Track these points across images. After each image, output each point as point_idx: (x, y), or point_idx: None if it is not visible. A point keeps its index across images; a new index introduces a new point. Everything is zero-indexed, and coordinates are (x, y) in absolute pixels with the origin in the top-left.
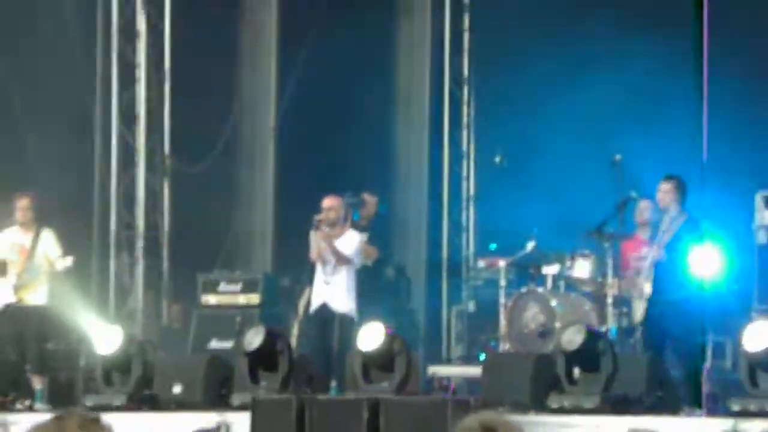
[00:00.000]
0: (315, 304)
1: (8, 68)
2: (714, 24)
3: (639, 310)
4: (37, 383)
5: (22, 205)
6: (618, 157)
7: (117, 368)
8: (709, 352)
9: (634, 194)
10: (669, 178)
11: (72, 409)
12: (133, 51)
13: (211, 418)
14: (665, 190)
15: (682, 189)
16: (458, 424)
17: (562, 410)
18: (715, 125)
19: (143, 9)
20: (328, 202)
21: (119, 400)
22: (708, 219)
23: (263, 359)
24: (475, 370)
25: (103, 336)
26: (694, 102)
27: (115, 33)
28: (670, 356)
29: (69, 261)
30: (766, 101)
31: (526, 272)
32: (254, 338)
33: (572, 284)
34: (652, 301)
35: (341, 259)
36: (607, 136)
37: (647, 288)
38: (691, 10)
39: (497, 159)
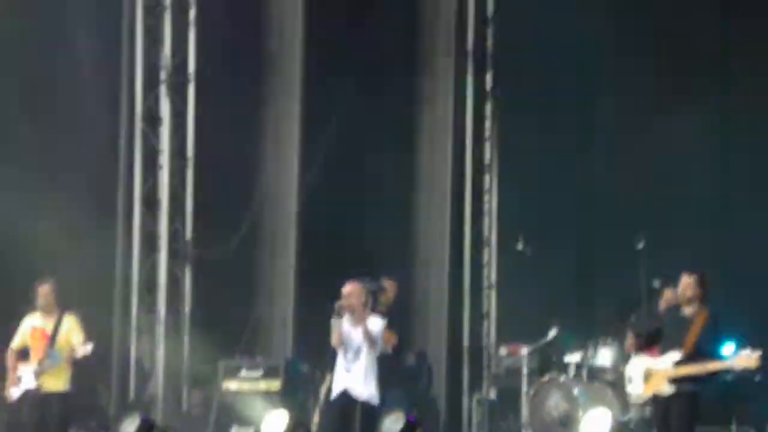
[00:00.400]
0: (336, 391)
1: (31, 149)
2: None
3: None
4: None
5: (44, 291)
6: (641, 244)
7: None
8: None
9: (657, 283)
10: (691, 272)
11: None
12: (157, 137)
13: None
14: (687, 284)
15: (703, 284)
16: None
17: None
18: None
19: (167, 95)
20: (348, 288)
21: None
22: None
23: None
24: None
25: (126, 423)
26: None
27: (139, 118)
28: None
29: (90, 348)
30: None
31: (548, 360)
32: (275, 425)
33: (594, 373)
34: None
35: (373, 342)
36: (633, 221)
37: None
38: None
39: (519, 246)
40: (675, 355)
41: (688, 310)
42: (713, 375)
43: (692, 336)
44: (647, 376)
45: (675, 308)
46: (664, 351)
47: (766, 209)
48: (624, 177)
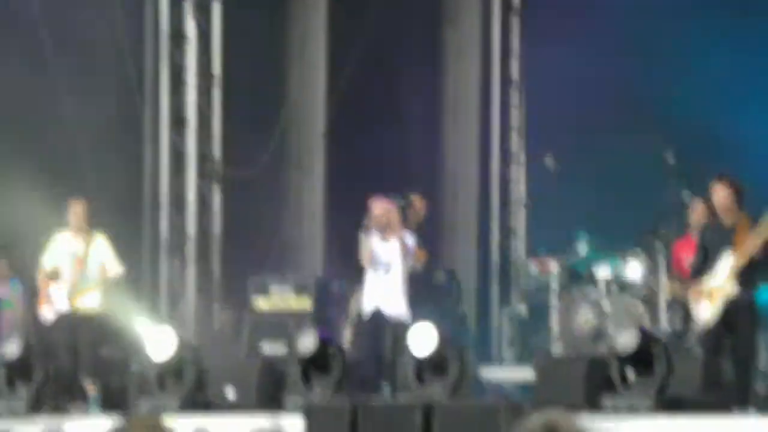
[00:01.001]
0: (367, 309)
1: (57, 74)
2: None
3: (704, 310)
4: (91, 389)
5: (77, 210)
6: (670, 157)
7: (170, 372)
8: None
9: (687, 195)
10: (721, 179)
11: (132, 414)
12: (182, 56)
13: (264, 421)
14: (723, 194)
15: (736, 188)
16: (522, 424)
17: (617, 410)
18: None
19: (192, 14)
20: (378, 208)
21: (173, 404)
22: None
23: (316, 363)
24: (527, 374)
25: (157, 340)
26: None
27: (165, 38)
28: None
29: (121, 269)
30: None
31: (578, 275)
32: (307, 342)
33: (624, 286)
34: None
35: (406, 254)
36: (662, 135)
37: (733, 287)
38: None
39: (548, 162)
40: (728, 259)
41: (728, 220)
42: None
43: (741, 235)
44: (709, 293)
45: (713, 222)
46: (713, 266)
47: None
48: (656, 89)
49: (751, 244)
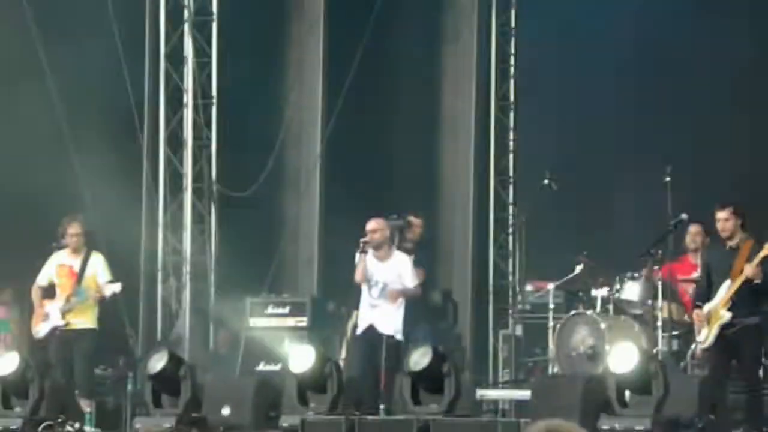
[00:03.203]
0: (362, 327)
1: (56, 91)
2: None
3: (705, 334)
4: (86, 407)
5: (73, 230)
6: (668, 178)
7: (166, 390)
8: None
9: (684, 217)
10: (724, 205)
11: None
12: (181, 77)
13: None
14: (724, 218)
15: (740, 213)
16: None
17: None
18: None
19: (190, 34)
20: (372, 224)
21: (168, 422)
22: None
23: (312, 382)
24: (523, 394)
25: (154, 359)
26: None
27: (163, 58)
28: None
29: (117, 287)
30: None
31: (575, 295)
32: (303, 361)
33: (621, 307)
34: (728, 324)
35: (411, 296)
36: (659, 157)
37: (724, 312)
38: None
39: (546, 181)
40: (726, 284)
41: (731, 242)
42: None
43: (740, 262)
44: (708, 317)
45: (716, 246)
46: (716, 289)
47: None
48: (650, 109)
49: (748, 269)
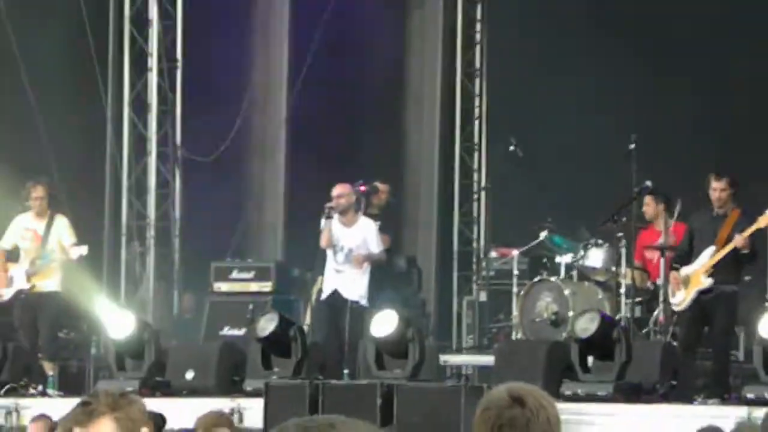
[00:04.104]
0: (326, 292)
1: (20, 56)
2: None
3: (678, 297)
4: (49, 370)
5: (37, 194)
6: (632, 146)
7: (130, 354)
8: None
9: (648, 184)
10: (721, 175)
11: (98, 391)
12: (146, 40)
13: (224, 403)
14: (721, 188)
15: (735, 184)
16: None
17: (575, 398)
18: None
19: None
20: (338, 189)
21: (132, 385)
22: None
23: (276, 346)
24: (487, 359)
25: (117, 321)
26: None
27: (127, 20)
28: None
29: (84, 249)
30: None
31: (539, 262)
32: (267, 324)
33: (585, 273)
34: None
35: (376, 262)
36: (625, 125)
37: (705, 278)
38: None
39: (511, 147)
40: (710, 250)
41: (721, 210)
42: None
43: (725, 230)
44: (686, 281)
45: (703, 211)
46: (698, 253)
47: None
48: (618, 81)
49: (739, 240)
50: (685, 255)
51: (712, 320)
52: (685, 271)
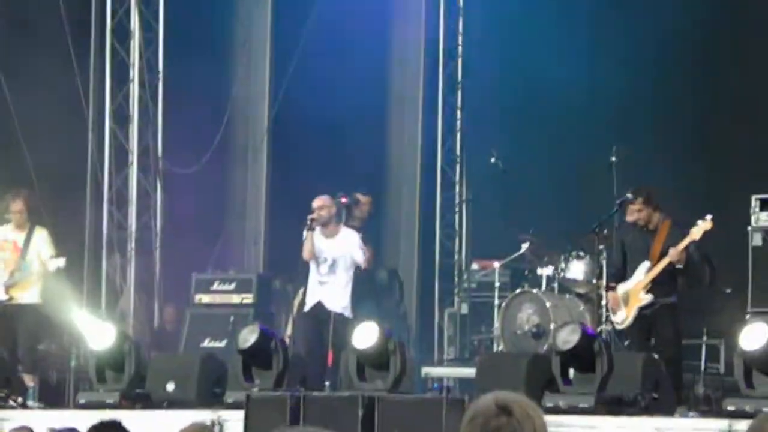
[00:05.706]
0: (309, 304)
1: (0, 67)
2: None
3: (623, 316)
4: (29, 381)
5: (16, 207)
6: (613, 158)
7: (110, 366)
8: (702, 355)
9: (629, 196)
10: (635, 197)
11: None
12: (127, 51)
13: (204, 416)
14: (637, 210)
15: (651, 200)
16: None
17: (557, 410)
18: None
19: (137, 8)
20: (319, 201)
21: (112, 397)
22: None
23: (257, 358)
24: (468, 372)
25: (97, 333)
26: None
27: (109, 32)
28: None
29: (61, 261)
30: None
31: (520, 274)
32: (249, 336)
33: (567, 286)
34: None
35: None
36: (606, 137)
37: (644, 295)
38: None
39: (493, 159)
40: (645, 265)
41: (650, 226)
42: (691, 277)
43: (658, 244)
44: (626, 298)
45: (635, 228)
46: (632, 269)
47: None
48: (600, 87)
49: (673, 254)
50: (619, 272)
51: (657, 333)
52: (623, 288)
